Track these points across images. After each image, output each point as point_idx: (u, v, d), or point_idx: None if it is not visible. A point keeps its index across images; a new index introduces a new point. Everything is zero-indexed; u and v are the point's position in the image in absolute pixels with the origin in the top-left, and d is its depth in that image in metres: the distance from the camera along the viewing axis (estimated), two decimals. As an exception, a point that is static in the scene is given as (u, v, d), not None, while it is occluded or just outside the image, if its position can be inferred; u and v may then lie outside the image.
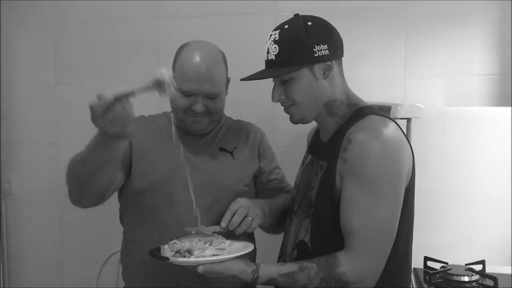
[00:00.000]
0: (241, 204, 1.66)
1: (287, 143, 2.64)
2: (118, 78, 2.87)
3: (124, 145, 1.58)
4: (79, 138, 2.85)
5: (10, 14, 2.97)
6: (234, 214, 1.64)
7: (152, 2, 2.81)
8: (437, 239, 2.25)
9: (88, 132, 2.82)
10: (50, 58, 2.95)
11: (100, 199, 1.78)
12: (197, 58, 1.78)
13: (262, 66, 1.67)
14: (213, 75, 1.79)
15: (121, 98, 1.40)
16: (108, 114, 1.40)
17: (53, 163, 2.96)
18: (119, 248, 2.01)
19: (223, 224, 1.63)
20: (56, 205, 2.92)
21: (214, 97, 1.81)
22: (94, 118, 1.42)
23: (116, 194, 1.95)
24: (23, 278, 3.10)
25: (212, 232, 1.64)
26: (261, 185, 1.98)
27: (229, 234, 1.67)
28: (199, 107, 1.79)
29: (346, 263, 1.43)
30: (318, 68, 1.54)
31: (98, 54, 2.89)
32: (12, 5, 2.96)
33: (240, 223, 1.63)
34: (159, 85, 1.49)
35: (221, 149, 1.93)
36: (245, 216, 1.64)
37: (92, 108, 1.40)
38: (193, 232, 1.63)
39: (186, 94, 1.79)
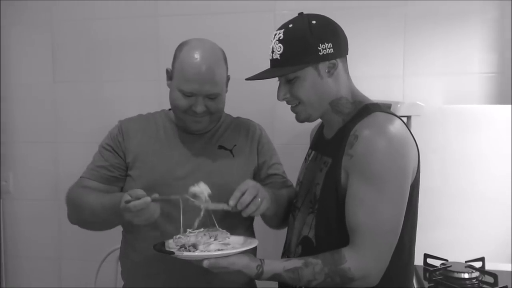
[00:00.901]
0: (251, 185, 1.59)
1: (286, 142, 2.65)
2: (116, 76, 2.87)
3: None
4: (77, 136, 2.90)
5: (7, 13, 2.96)
6: (243, 193, 1.56)
7: (151, 0, 2.80)
8: (437, 236, 2.26)
9: (86, 130, 2.84)
10: (48, 57, 2.94)
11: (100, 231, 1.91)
12: (197, 58, 1.76)
13: (261, 65, 1.67)
14: (214, 76, 1.77)
15: (158, 201, 1.50)
16: (141, 215, 1.49)
17: (51, 161, 2.95)
18: (118, 246, 2.01)
19: (231, 202, 1.55)
20: (54, 204, 2.92)
21: (214, 97, 1.80)
22: (126, 211, 1.49)
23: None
24: (21, 276, 3.09)
25: (221, 209, 1.58)
26: (260, 180, 1.95)
27: (233, 230, 1.67)
28: (200, 107, 1.78)
29: (351, 259, 1.43)
30: (323, 66, 1.54)
31: (96, 52, 2.88)
32: (9, 3, 2.95)
33: (249, 203, 1.56)
34: (194, 196, 1.58)
35: (221, 147, 1.93)
36: (254, 197, 1.57)
37: (128, 205, 1.47)
38: (201, 206, 1.59)
39: (187, 94, 1.78)
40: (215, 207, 1.60)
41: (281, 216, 1.84)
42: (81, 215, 1.77)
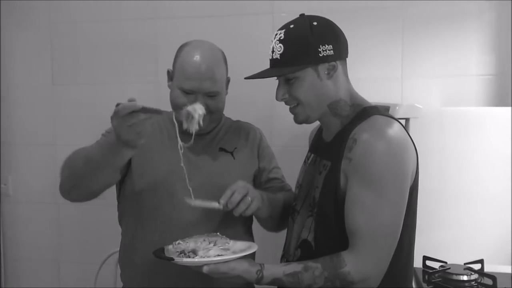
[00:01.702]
0: (241, 185, 1.64)
1: (285, 143, 2.65)
2: (115, 78, 2.87)
3: (129, 154, 1.59)
4: (76, 138, 2.88)
5: (7, 15, 2.96)
6: (233, 192, 1.61)
7: (150, 3, 2.80)
8: (435, 239, 2.26)
9: (85, 132, 2.84)
10: (47, 59, 2.94)
11: (90, 197, 1.79)
12: (197, 57, 1.79)
13: (260, 66, 1.67)
14: (214, 74, 1.79)
15: (148, 111, 1.43)
16: (129, 119, 1.42)
17: (50, 163, 2.95)
18: (117, 249, 2.00)
19: (222, 201, 1.60)
20: (53, 206, 2.91)
21: (214, 96, 1.82)
22: (115, 117, 1.43)
23: (115, 195, 1.94)
24: (20, 279, 3.09)
25: (212, 207, 1.62)
26: (260, 185, 1.97)
27: (232, 235, 1.67)
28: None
29: (351, 263, 1.43)
30: (323, 68, 1.55)
31: (95, 54, 2.89)
32: (9, 5, 2.95)
33: (239, 202, 1.60)
34: (187, 117, 1.63)
35: (221, 149, 1.93)
36: (245, 196, 1.62)
37: (117, 107, 1.42)
38: (192, 204, 1.62)
39: (187, 92, 1.79)
40: (206, 205, 1.62)
41: (277, 219, 1.85)
42: (76, 167, 1.70)
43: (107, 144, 1.55)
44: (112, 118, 1.45)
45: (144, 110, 1.42)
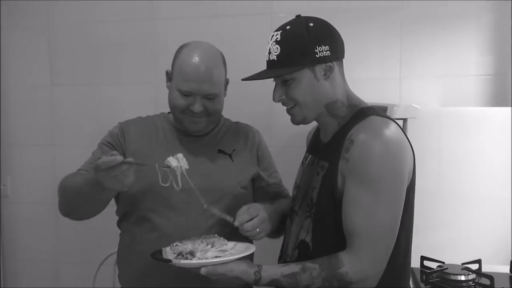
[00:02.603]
0: (260, 215, 1.67)
1: (283, 144, 2.65)
2: (114, 79, 2.88)
3: (115, 193, 1.65)
4: (74, 139, 2.90)
5: (6, 16, 2.96)
6: (251, 219, 1.65)
7: (148, 4, 2.81)
8: (433, 239, 2.26)
9: (83, 133, 2.85)
10: (46, 60, 2.95)
11: (87, 218, 1.86)
12: (196, 58, 1.78)
13: (258, 67, 1.67)
14: (212, 76, 1.79)
15: (128, 164, 1.46)
16: (111, 172, 1.44)
17: (48, 164, 2.96)
18: (116, 249, 2.01)
19: (237, 223, 1.63)
20: (52, 207, 2.89)
21: (212, 98, 1.82)
22: (97, 170, 1.45)
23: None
24: (19, 279, 3.09)
25: (224, 218, 1.65)
26: (260, 189, 1.99)
27: (230, 236, 1.68)
28: (197, 107, 1.79)
29: (349, 263, 1.44)
30: (319, 69, 1.55)
31: (93, 55, 2.89)
32: (8, 6, 2.95)
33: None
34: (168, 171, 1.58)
35: (220, 151, 1.93)
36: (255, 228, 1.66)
37: (97, 162, 1.44)
38: (209, 210, 1.64)
39: (185, 94, 1.79)
40: (220, 215, 1.66)
41: (275, 230, 1.85)
42: (67, 197, 1.76)
43: (91, 183, 1.56)
44: (94, 170, 1.47)
45: (125, 162, 1.45)
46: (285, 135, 2.67)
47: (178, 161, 1.59)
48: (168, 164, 1.58)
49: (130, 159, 1.47)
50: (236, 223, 1.63)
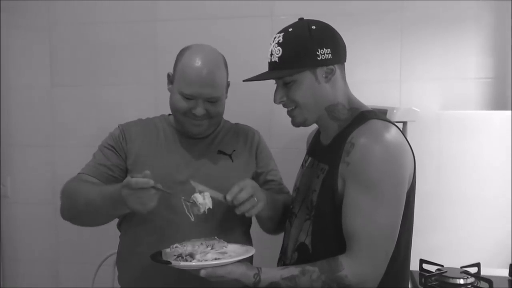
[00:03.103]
0: (249, 184, 1.64)
1: (283, 146, 2.65)
2: (114, 80, 2.87)
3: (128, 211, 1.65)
4: (74, 140, 2.90)
5: (6, 16, 2.96)
6: (241, 190, 1.61)
7: (149, 4, 2.81)
8: (432, 242, 2.27)
9: (83, 134, 2.85)
10: (46, 60, 2.94)
11: (92, 226, 1.89)
12: (198, 62, 1.78)
13: (258, 69, 1.68)
14: (215, 79, 1.79)
15: (157, 189, 1.48)
16: (139, 193, 1.46)
17: (48, 165, 2.96)
18: (115, 250, 2.00)
19: (229, 197, 1.59)
20: (51, 207, 2.92)
21: (215, 101, 1.82)
22: (126, 188, 1.47)
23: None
24: (19, 279, 3.09)
25: (216, 197, 1.63)
26: (260, 187, 1.97)
27: (230, 238, 1.68)
28: (199, 110, 1.79)
29: (348, 266, 1.44)
30: (321, 71, 1.55)
31: (94, 56, 2.89)
32: (8, 6, 2.95)
33: (245, 201, 1.60)
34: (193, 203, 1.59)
35: (220, 152, 1.93)
36: (251, 196, 1.62)
37: (130, 180, 1.45)
38: (197, 188, 1.62)
39: (187, 97, 1.79)
40: (211, 193, 1.62)
41: (276, 221, 1.85)
42: (76, 204, 1.74)
43: (110, 198, 1.58)
44: (123, 187, 1.48)
45: (155, 189, 1.47)
46: (285, 138, 2.67)
47: (204, 199, 1.59)
48: (195, 200, 1.59)
49: (159, 186, 1.48)
50: (228, 197, 1.60)
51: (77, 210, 1.76)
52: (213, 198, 1.62)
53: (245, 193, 1.60)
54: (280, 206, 1.85)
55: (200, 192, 1.60)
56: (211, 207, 1.60)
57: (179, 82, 1.81)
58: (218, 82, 1.80)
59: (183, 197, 1.58)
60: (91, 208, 1.68)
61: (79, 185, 1.77)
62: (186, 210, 1.59)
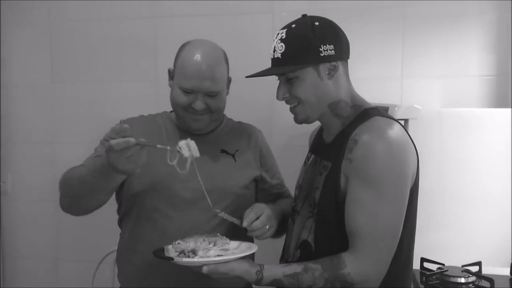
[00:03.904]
0: (266, 213, 1.68)
1: (284, 143, 2.65)
2: (114, 77, 2.87)
3: (122, 178, 1.64)
4: (75, 137, 2.90)
5: (6, 13, 2.96)
6: (257, 218, 1.65)
7: (150, 1, 2.80)
8: (433, 240, 2.26)
9: (84, 130, 2.84)
10: (47, 57, 2.94)
11: (88, 212, 1.83)
12: (198, 56, 1.78)
13: (259, 66, 1.67)
14: (214, 73, 1.78)
15: (142, 145, 1.45)
16: (125, 152, 1.42)
17: (49, 162, 2.95)
18: (115, 247, 2.00)
19: (245, 224, 1.63)
20: (52, 204, 2.88)
21: (214, 95, 1.81)
22: (109, 151, 1.43)
23: (114, 196, 1.94)
24: (19, 277, 3.08)
25: (232, 221, 1.66)
26: (263, 190, 1.99)
27: (232, 235, 1.68)
28: (199, 104, 1.79)
29: (351, 264, 1.44)
30: (324, 68, 1.55)
31: (94, 53, 2.89)
32: (8, 4, 2.94)
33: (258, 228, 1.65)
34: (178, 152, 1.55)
35: (223, 151, 1.93)
36: (265, 225, 1.67)
37: (110, 143, 1.41)
38: (219, 215, 1.65)
39: (187, 91, 1.79)
40: (228, 218, 1.65)
41: (278, 230, 1.84)
42: (71, 188, 1.73)
43: (100, 169, 1.55)
44: (106, 152, 1.45)
45: (138, 144, 1.44)
46: (287, 135, 2.66)
47: (189, 149, 1.57)
48: (179, 150, 1.56)
49: (142, 140, 1.45)
50: (245, 224, 1.63)
51: (73, 193, 1.74)
52: (231, 221, 1.67)
53: (260, 222, 1.65)
54: (282, 216, 1.84)
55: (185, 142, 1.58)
56: (198, 155, 1.58)
57: (179, 76, 1.81)
58: (217, 76, 1.80)
59: (168, 147, 1.54)
60: (86, 187, 1.66)
61: (73, 170, 1.77)
62: (168, 158, 1.54)
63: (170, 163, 1.54)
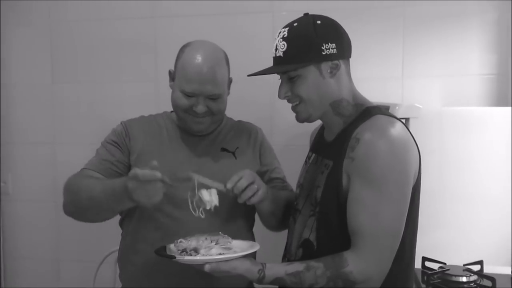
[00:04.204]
0: (248, 172, 1.65)
1: (285, 142, 2.64)
2: (114, 77, 2.87)
3: (132, 205, 1.63)
4: (75, 137, 2.90)
5: (7, 14, 2.95)
6: (240, 178, 1.62)
7: (150, 1, 2.80)
8: (435, 239, 2.25)
9: (84, 131, 2.84)
10: (47, 57, 2.93)
11: (95, 222, 1.86)
12: (199, 59, 1.77)
13: (260, 65, 1.68)
14: (215, 76, 1.78)
15: (164, 182, 1.47)
16: (145, 185, 1.45)
17: (49, 162, 2.95)
18: (116, 248, 2.00)
19: (229, 185, 1.61)
20: (52, 205, 2.91)
21: (216, 98, 1.81)
22: (133, 180, 1.45)
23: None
24: (20, 277, 3.08)
25: (216, 187, 1.64)
26: None
27: (234, 234, 1.67)
28: (200, 108, 1.78)
29: (353, 263, 1.44)
30: (325, 66, 1.55)
31: (94, 53, 2.88)
32: (8, 4, 2.94)
33: (246, 188, 1.62)
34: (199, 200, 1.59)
35: (223, 149, 1.93)
36: (251, 183, 1.63)
37: (137, 172, 1.44)
38: (196, 179, 1.62)
39: (188, 94, 1.78)
40: (211, 184, 1.63)
41: (279, 217, 1.85)
42: (79, 199, 1.73)
43: (113, 192, 1.56)
44: (129, 179, 1.46)
45: (161, 180, 1.46)
46: (287, 134, 2.66)
47: (210, 196, 1.60)
48: (201, 196, 1.59)
49: (166, 179, 1.47)
50: (228, 185, 1.61)
51: (80, 205, 1.74)
52: (213, 186, 1.64)
53: (245, 180, 1.61)
54: (282, 201, 1.85)
55: (206, 188, 1.61)
56: (217, 204, 1.60)
57: (180, 79, 1.80)
58: (218, 79, 1.79)
59: (189, 193, 1.58)
60: (94, 203, 1.67)
61: (82, 180, 1.76)
62: (190, 207, 1.58)
63: (194, 213, 1.61)
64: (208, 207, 1.59)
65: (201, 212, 1.62)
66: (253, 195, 1.63)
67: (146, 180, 1.43)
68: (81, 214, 1.80)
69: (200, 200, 1.59)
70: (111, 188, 1.58)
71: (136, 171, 1.43)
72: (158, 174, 1.44)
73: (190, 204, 1.59)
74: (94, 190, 1.66)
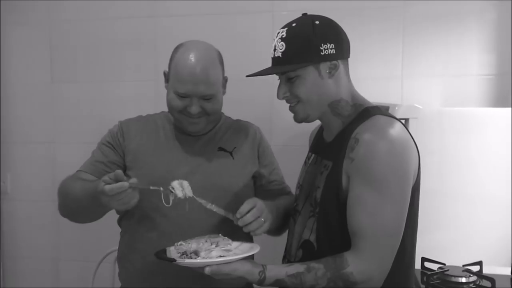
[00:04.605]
0: (258, 206, 1.63)
1: (284, 143, 2.65)
2: (114, 76, 2.87)
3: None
4: (74, 136, 2.90)
5: (6, 13, 2.95)
6: (250, 210, 1.61)
7: (149, 1, 2.80)
8: (434, 240, 2.25)
9: (84, 130, 2.84)
10: (46, 57, 2.93)
11: (87, 222, 1.90)
12: (191, 59, 1.76)
13: (260, 65, 1.67)
14: (208, 77, 1.77)
15: (134, 188, 1.48)
16: (117, 197, 1.46)
17: (48, 161, 2.95)
18: (115, 247, 2.00)
19: (238, 215, 1.60)
20: (51, 204, 2.81)
21: (210, 98, 1.80)
22: (102, 195, 1.46)
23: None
24: (19, 277, 3.08)
25: (223, 214, 1.65)
26: (261, 186, 1.97)
27: (233, 235, 1.67)
28: (194, 108, 1.78)
29: (354, 263, 1.43)
30: (324, 66, 1.55)
31: (94, 52, 2.88)
32: (8, 3, 2.94)
33: (252, 221, 1.61)
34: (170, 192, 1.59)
35: (220, 149, 1.92)
36: (258, 217, 1.62)
37: (104, 188, 1.44)
38: (208, 206, 1.64)
39: (181, 95, 1.78)
40: (220, 212, 1.65)
41: (278, 226, 1.84)
42: (67, 202, 1.77)
43: (93, 197, 1.56)
44: (101, 194, 1.47)
45: (131, 187, 1.46)
46: (286, 135, 2.66)
47: (183, 189, 1.60)
48: (173, 190, 1.59)
49: (135, 181, 1.48)
50: (237, 215, 1.60)
51: (69, 208, 1.79)
52: (222, 215, 1.66)
53: (252, 215, 1.60)
54: (282, 211, 1.84)
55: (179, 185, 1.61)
56: (191, 196, 1.60)
57: (173, 80, 1.80)
58: (212, 79, 1.79)
59: (162, 188, 1.58)
60: (80, 206, 1.70)
61: (71, 182, 1.78)
62: (163, 200, 1.59)
63: (166, 205, 1.59)
64: (182, 196, 1.60)
65: (172, 201, 1.61)
66: (258, 228, 1.63)
67: (116, 193, 1.44)
68: (73, 216, 1.85)
69: (171, 192, 1.59)
70: (90, 192, 1.59)
71: (104, 188, 1.44)
72: (125, 184, 1.44)
73: (163, 197, 1.59)
74: (78, 193, 1.69)
